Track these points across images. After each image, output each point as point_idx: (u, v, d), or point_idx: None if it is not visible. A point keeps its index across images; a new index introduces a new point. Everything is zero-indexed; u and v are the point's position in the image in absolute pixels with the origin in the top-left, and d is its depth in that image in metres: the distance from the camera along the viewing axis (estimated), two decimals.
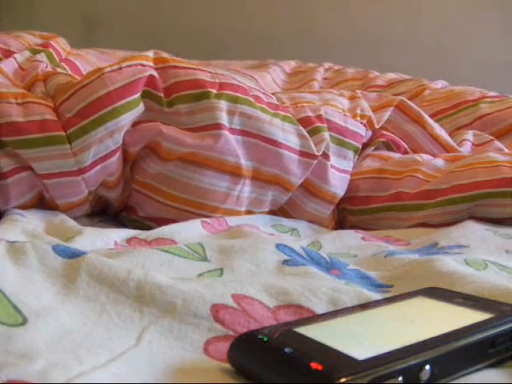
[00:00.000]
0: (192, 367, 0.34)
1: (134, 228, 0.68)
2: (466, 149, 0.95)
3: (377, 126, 0.90)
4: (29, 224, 0.59)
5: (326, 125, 0.81)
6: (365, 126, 0.88)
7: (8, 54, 0.84)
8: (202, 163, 0.72)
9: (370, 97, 0.98)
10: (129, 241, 0.60)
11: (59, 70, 0.80)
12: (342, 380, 0.29)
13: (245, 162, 0.74)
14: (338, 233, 0.74)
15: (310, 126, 0.80)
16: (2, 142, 0.65)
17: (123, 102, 0.69)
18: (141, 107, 0.71)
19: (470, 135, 1.00)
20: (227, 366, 0.34)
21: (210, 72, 0.76)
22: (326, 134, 0.80)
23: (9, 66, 0.80)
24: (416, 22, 1.92)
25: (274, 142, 0.75)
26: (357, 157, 0.86)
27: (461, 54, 1.86)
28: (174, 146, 0.71)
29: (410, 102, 0.96)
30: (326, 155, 0.80)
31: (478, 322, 0.37)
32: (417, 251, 0.63)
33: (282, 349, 0.32)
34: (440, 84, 1.30)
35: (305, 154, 0.77)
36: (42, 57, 0.84)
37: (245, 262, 0.51)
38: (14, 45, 0.88)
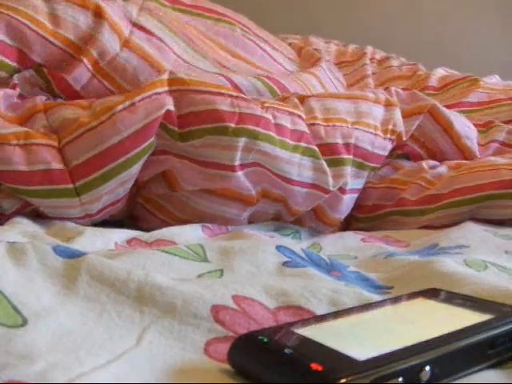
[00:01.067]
0: (192, 368, 0.34)
1: (135, 229, 0.68)
2: (487, 153, 0.93)
3: (404, 139, 0.87)
4: (29, 226, 0.60)
5: (351, 156, 0.77)
6: (392, 141, 0.85)
7: (23, 58, 0.73)
8: (212, 192, 0.70)
9: (403, 97, 0.93)
10: (129, 242, 0.60)
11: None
12: (343, 380, 0.29)
13: (255, 190, 0.71)
14: (338, 234, 0.74)
15: (334, 155, 0.76)
16: (3, 186, 0.61)
17: (137, 150, 0.64)
18: (154, 145, 0.66)
19: (503, 134, 0.96)
20: (227, 366, 0.34)
21: (230, 96, 0.69)
22: (348, 170, 0.77)
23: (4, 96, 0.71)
24: (417, 20, 1.92)
25: (286, 180, 0.72)
26: (372, 173, 0.84)
27: (461, 52, 1.86)
28: (185, 184, 0.69)
29: (442, 108, 0.92)
30: (342, 190, 0.77)
31: (478, 323, 0.37)
32: (417, 252, 0.63)
33: (282, 349, 0.32)
34: (494, 79, 1.29)
35: (317, 187, 0.74)
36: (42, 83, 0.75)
37: (245, 263, 0.51)
38: (38, 43, 0.74)
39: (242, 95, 0.71)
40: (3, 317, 0.34)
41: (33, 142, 0.63)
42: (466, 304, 0.41)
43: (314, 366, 0.30)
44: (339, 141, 0.77)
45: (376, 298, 0.45)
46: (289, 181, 0.72)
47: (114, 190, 0.64)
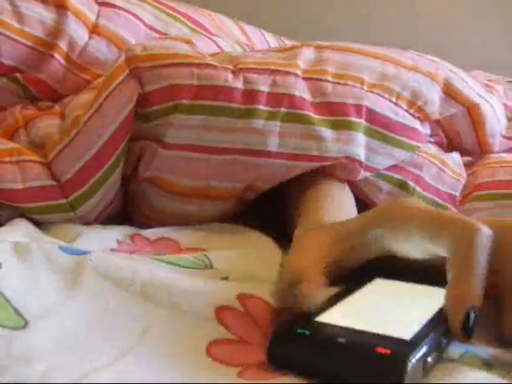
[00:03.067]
0: (193, 367, 0.34)
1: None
2: (504, 149, 0.88)
3: (436, 117, 0.76)
4: (29, 227, 0.59)
5: (362, 121, 0.67)
6: (420, 120, 0.74)
7: None
8: (169, 189, 0.64)
9: (458, 79, 0.81)
10: (132, 237, 0.59)
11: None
12: (413, 361, 0.30)
13: (222, 185, 0.63)
14: None
15: (342, 116, 0.66)
16: None
17: (118, 151, 0.61)
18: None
19: None
20: (228, 368, 0.34)
21: (191, 65, 0.62)
22: (359, 137, 0.66)
23: None
24: (417, 21, 1.93)
25: (261, 153, 0.62)
26: (409, 154, 0.73)
27: (461, 52, 1.86)
28: (143, 169, 0.64)
29: (483, 108, 0.83)
30: (360, 163, 0.67)
31: None
32: None
33: (334, 340, 0.32)
34: (481, 74, 1.28)
35: (304, 157, 0.64)
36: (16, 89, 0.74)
37: (251, 264, 0.50)
38: (6, 45, 0.73)
39: (209, 62, 0.64)
40: (4, 318, 0.34)
41: (25, 158, 0.62)
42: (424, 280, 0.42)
43: (381, 350, 0.30)
44: (349, 101, 0.67)
45: None
46: (265, 154, 0.62)
47: (106, 195, 0.63)
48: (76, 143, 0.61)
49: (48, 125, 0.67)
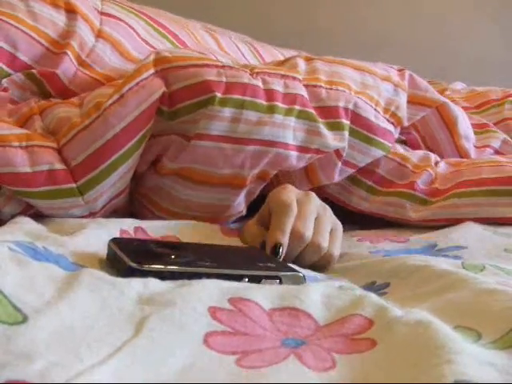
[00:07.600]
0: (192, 356, 0.34)
1: None
2: (482, 156, 0.93)
3: (405, 124, 0.86)
4: (31, 224, 0.59)
5: (348, 122, 0.76)
6: (393, 125, 0.83)
7: (11, 59, 0.74)
8: (198, 179, 0.68)
9: (416, 83, 0.91)
10: (135, 228, 0.60)
11: (54, 100, 0.74)
12: None
13: (246, 172, 0.70)
14: None
15: (335, 118, 0.75)
16: (3, 189, 0.61)
17: (133, 141, 0.63)
18: (150, 132, 0.66)
19: (498, 142, 0.98)
20: (227, 357, 0.35)
21: (216, 66, 0.68)
22: (346, 135, 0.75)
23: None
24: (417, 20, 1.92)
25: (283, 145, 0.70)
26: (384, 154, 0.82)
27: (461, 52, 1.86)
28: (167, 161, 0.68)
29: (452, 107, 0.92)
30: (339, 155, 0.76)
31: None
32: (415, 251, 0.64)
33: None
34: (460, 85, 1.30)
35: (307, 150, 0.73)
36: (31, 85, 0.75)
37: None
38: (23, 41, 0.75)
39: (229, 64, 0.70)
40: (3, 314, 0.34)
41: (34, 143, 0.63)
42: None
43: None
44: (341, 104, 0.75)
45: (371, 297, 0.45)
46: (285, 146, 0.70)
47: (115, 184, 0.65)
48: (94, 126, 0.63)
49: (65, 110, 0.68)
